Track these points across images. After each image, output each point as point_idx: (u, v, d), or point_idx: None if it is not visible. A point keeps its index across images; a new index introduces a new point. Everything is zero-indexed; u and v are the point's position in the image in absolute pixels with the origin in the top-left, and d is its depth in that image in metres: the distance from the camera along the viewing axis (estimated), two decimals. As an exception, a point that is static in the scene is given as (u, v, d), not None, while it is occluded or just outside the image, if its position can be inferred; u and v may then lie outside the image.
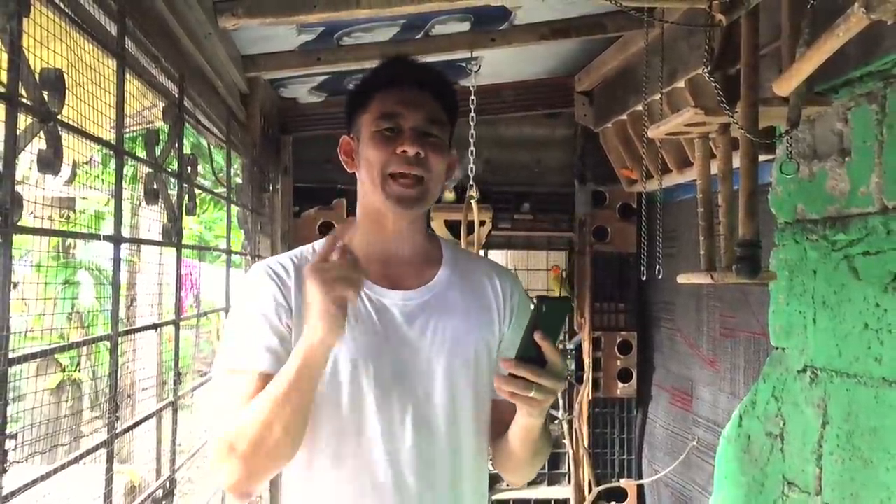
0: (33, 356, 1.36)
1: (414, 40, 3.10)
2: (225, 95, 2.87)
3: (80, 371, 8.44)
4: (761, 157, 2.19)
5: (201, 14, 2.32)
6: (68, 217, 6.99)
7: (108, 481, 1.65)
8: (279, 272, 1.40)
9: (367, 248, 1.44)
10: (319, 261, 1.21)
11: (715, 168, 2.33)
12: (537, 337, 1.19)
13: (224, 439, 1.28)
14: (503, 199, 4.09)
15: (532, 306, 1.22)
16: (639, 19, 2.60)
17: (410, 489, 1.37)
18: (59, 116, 1.38)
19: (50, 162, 1.32)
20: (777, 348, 2.42)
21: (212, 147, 3.07)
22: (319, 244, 1.48)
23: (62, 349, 1.60)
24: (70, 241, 7.80)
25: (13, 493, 1.23)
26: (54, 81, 1.36)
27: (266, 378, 1.32)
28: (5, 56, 1.22)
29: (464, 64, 3.40)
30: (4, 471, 1.16)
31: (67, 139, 1.45)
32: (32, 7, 1.27)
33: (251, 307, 1.38)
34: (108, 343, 1.74)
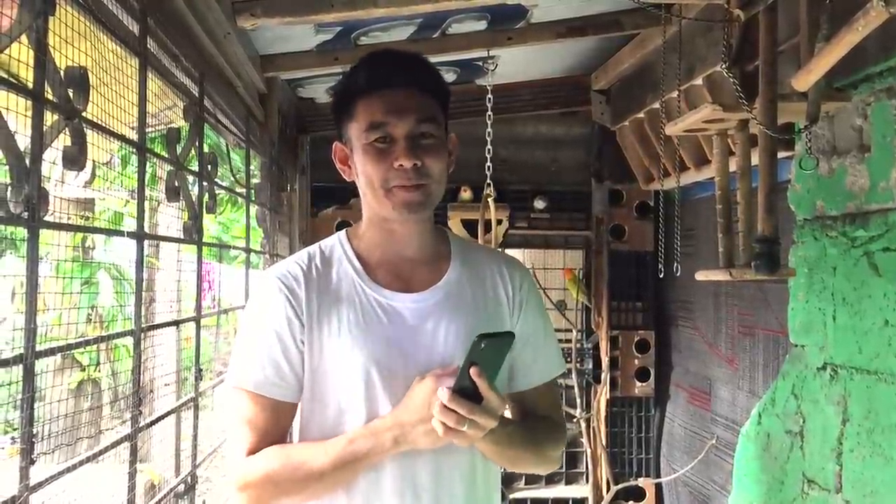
0: (60, 349, 1.38)
1: (431, 39, 3.11)
2: (243, 95, 2.90)
3: (99, 371, 8.52)
4: (780, 154, 2.18)
5: (220, 14, 2.34)
6: (88, 218, 7.06)
7: (132, 475, 1.67)
8: (289, 284, 1.37)
9: (376, 252, 1.44)
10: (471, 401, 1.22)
11: (733, 165, 2.33)
12: (473, 373, 1.20)
13: (244, 477, 1.32)
14: (520, 197, 4.09)
15: (474, 343, 1.22)
16: (656, 16, 2.60)
17: (425, 488, 1.36)
18: (83, 114, 1.40)
19: (75, 158, 1.34)
20: (796, 345, 2.41)
21: (230, 147, 3.09)
22: (326, 243, 1.46)
23: (87, 343, 1.62)
24: (89, 242, 7.87)
25: (39, 484, 1.24)
26: (79, 79, 1.38)
27: (274, 404, 1.35)
28: (31, 54, 1.24)
29: (480, 63, 3.41)
30: (32, 462, 1.18)
31: (90, 139, 1.46)
32: (58, 6, 1.29)
33: (263, 324, 1.37)
34: (127, 343, 1.76)
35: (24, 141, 1.21)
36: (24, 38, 1.22)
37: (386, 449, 1.29)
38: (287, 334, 1.35)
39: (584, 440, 4.04)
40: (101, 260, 8.16)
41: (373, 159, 1.34)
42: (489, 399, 1.22)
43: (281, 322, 1.35)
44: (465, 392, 1.21)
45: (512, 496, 4.04)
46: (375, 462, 1.30)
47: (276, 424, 1.35)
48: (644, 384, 4.12)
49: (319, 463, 1.30)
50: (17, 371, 1.22)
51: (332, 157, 1.45)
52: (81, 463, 1.45)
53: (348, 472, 1.31)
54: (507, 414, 1.45)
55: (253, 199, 3.14)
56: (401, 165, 1.32)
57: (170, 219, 2.48)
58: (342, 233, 1.49)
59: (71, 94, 1.36)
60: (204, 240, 2.40)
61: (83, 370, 8.46)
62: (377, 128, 1.34)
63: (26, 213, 1.19)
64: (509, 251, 4.20)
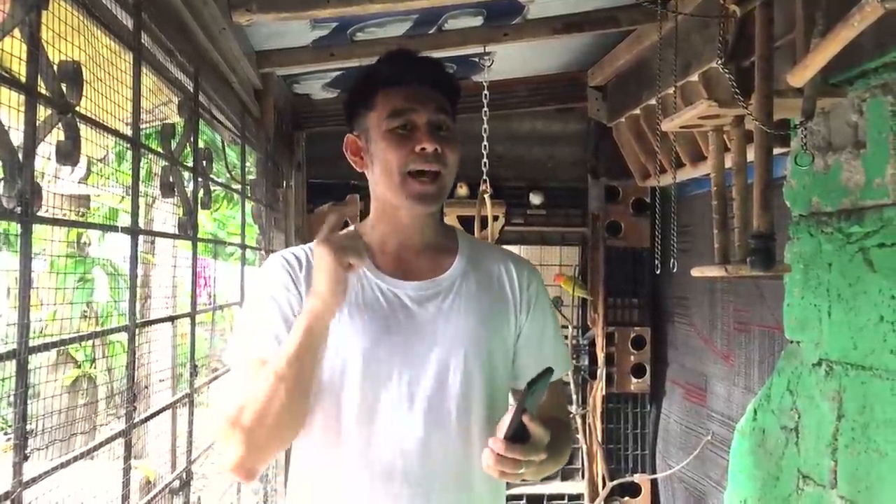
0: (53, 345, 1.38)
1: (427, 35, 3.10)
2: (239, 91, 2.89)
3: (94, 367, 8.50)
4: (775, 151, 2.18)
5: (215, 9, 2.33)
6: (83, 215, 7.04)
7: (126, 470, 1.67)
8: (291, 261, 1.42)
9: (382, 242, 1.46)
10: (328, 232, 1.25)
11: (729, 161, 2.33)
12: (526, 419, 1.21)
13: (228, 416, 1.29)
14: (516, 194, 4.09)
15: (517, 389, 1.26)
16: (652, 12, 2.59)
17: (419, 479, 1.36)
18: (76, 108, 1.39)
19: (69, 153, 1.34)
20: (792, 341, 2.42)
21: (226, 144, 3.08)
22: (335, 236, 1.49)
23: (81, 339, 1.61)
24: (85, 238, 7.86)
25: (33, 480, 1.24)
26: (72, 74, 1.37)
27: None
28: (24, 48, 1.23)
29: (477, 59, 3.41)
30: (26, 458, 1.17)
31: (84, 134, 1.46)
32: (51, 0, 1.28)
33: (263, 295, 1.41)
34: (122, 339, 1.76)
35: (16, 136, 1.20)
36: (16, 31, 1.22)
37: (308, 322, 1.26)
38: (286, 304, 1.38)
39: (580, 436, 4.05)
40: (96, 256, 8.15)
41: (393, 145, 1.38)
42: (535, 434, 1.23)
43: (280, 293, 1.38)
44: (516, 437, 1.22)
45: (508, 492, 4.04)
46: (318, 344, 1.28)
47: None
48: (640, 380, 4.12)
49: (278, 366, 1.26)
50: (11, 367, 1.21)
51: (344, 149, 1.48)
52: (76, 459, 1.45)
53: (303, 362, 1.27)
54: None
55: (248, 195, 3.13)
56: (423, 149, 1.37)
57: (165, 215, 2.48)
58: (350, 227, 1.51)
59: (64, 89, 1.36)
60: (199, 236, 2.39)
61: (78, 366, 8.45)
62: (400, 115, 1.38)
63: (19, 209, 1.18)
64: (505, 248, 4.20)
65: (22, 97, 1.23)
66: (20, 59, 1.22)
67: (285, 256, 1.43)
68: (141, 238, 1.80)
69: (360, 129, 1.45)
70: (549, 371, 1.25)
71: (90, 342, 6.75)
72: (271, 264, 1.44)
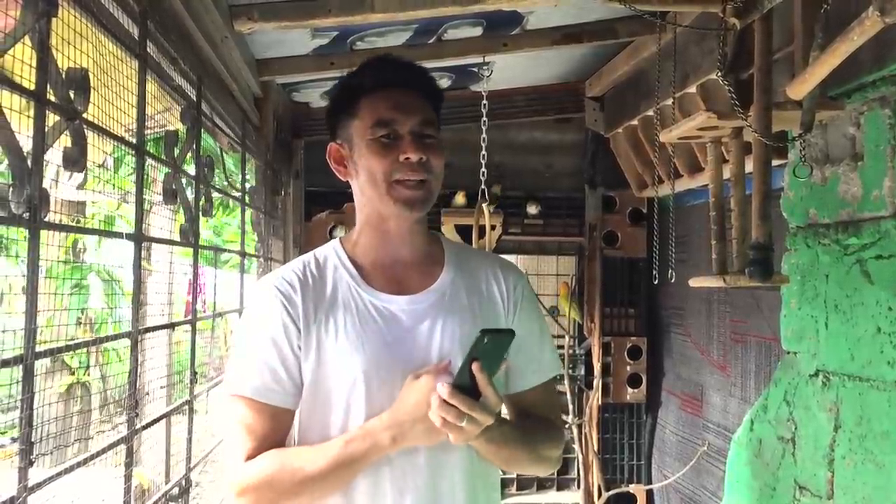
0: (59, 350, 1.38)
1: (426, 45, 3.12)
2: (240, 98, 2.90)
3: (88, 374, 8.47)
4: (773, 162, 2.20)
5: (217, 17, 2.34)
6: (79, 221, 7.03)
7: (128, 477, 1.67)
8: (286, 291, 1.39)
9: (371, 256, 1.46)
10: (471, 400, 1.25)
11: (727, 172, 2.34)
12: (474, 368, 1.22)
13: (242, 482, 1.33)
14: (514, 203, 4.10)
15: (478, 335, 1.24)
16: (651, 24, 2.61)
17: (420, 491, 1.37)
18: (84, 115, 1.40)
19: (76, 159, 1.34)
20: (789, 352, 2.43)
21: (224, 151, 3.09)
22: (319, 252, 1.48)
23: (85, 345, 1.62)
24: (81, 244, 7.84)
25: (38, 485, 1.24)
26: (80, 81, 1.38)
27: (272, 410, 1.35)
28: (33, 54, 1.24)
29: (476, 69, 3.42)
30: (31, 463, 1.18)
31: (89, 140, 1.46)
32: (60, 7, 1.29)
33: (260, 332, 1.38)
34: (117, 346, 1.76)
35: (24, 142, 1.20)
36: (26, 38, 1.23)
37: (384, 448, 1.30)
38: (284, 341, 1.37)
39: (576, 446, 4.05)
40: (92, 262, 8.13)
41: (378, 154, 1.38)
42: (487, 395, 1.24)
43: (277, 329, 1.37)
44: (464, 388, 1.23)
45: (503, 502, 4.04)
46: (373, 462, 1.32)
47: (274, 430, 1.36)
48: (636, 390, 4.13)
49: (317, 466, 1.31)
50: (9, 373, 1.21)
51: (327, 158, 1.47)
52: (79, 464, 1.45)
53: (346, 474, 1.32)
54: (504, 413, 1.47)
55: (248, 202, 3.14)
56: (407, 159, 1.37)
57: (162, 221, 2.48)
58: (335, 241, 1.51)
59: (72, 96, 1.37)
60: (199, 243, 2.40)
61: (72, 374, 8.42)
62: (385, 125, 1.38)
63: (27, 214, 1.19)
64: (503, 257, 4.20)
65: (29, 103, 1.24)
66: (30, 65, 1.22)
67: (278, 286, 1.40)
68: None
69: (343, 137, 1.45)
70: (509, 331, 1.27)
71: (85, 349, 6.72)
72: (266, 296, 1.40)
